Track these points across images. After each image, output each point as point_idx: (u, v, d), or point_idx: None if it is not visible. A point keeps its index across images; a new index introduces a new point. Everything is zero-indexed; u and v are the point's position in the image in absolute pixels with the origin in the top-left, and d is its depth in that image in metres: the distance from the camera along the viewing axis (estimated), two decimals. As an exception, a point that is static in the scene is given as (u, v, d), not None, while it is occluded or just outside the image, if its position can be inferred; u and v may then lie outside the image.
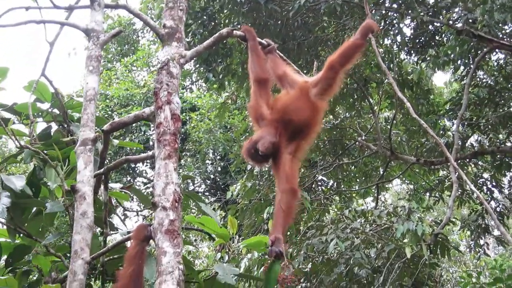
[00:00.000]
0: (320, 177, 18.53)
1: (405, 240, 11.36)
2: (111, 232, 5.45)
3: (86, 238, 4.21)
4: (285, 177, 4.89)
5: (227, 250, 5.49)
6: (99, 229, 5.56)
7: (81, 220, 4.26)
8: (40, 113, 6.27)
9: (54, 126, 6.26)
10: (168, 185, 4.04)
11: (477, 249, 16.47)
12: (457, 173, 11.87)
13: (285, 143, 5.01)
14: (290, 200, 4.79)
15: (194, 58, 4.93)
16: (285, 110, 5.12)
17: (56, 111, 6.17)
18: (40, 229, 5.81)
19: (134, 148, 17.37)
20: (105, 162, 5.16)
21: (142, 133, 23.84)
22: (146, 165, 25.06)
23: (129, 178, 24.67)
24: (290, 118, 5.07)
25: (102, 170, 4.94)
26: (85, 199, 4.36)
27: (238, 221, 13.25)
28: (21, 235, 5.70)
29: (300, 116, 5.10)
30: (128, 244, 4.47)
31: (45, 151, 5.52)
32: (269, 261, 4.72)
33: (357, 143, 17.20)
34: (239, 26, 13.62)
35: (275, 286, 4.74)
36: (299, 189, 4.96)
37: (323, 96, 5.25)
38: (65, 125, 6.07)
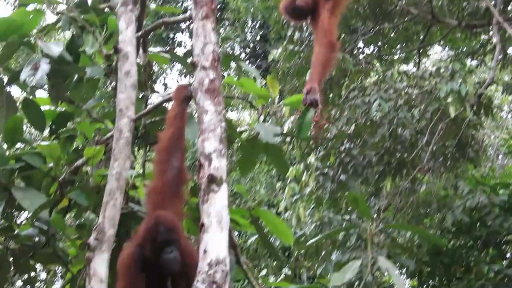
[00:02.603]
0: (360, 45, 18.25)
1: (449, 100, 11.24)
2: (152, 94, 5.46)
3: (130, 96, 4.21)
4: (323, 32, 4.83)
5: (269, 112, 5.46)
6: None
7: (125, 80, 4.25)
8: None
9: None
10: (207, 45, 3.98)
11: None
12: (500, 33, 11.60)
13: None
14: (328, 52, 4.75)
15: None
16: None
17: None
18: (84, 96, 5.85)
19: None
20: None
21: (181, 3, 23.55)
22: (185, 35, 24.92)
23: (167, 48, 24.56)
24: None
25: (139, 33, 4.88)
26: (128, 58, 4.34)
27: (280, 86, 13.18)
28: (63, 102, 5.76)
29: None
30: (169, 105, 4.48)
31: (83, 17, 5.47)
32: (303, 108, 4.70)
33: (397, 7, 16.73)
34: None
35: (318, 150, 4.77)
36: (337, 43, 4.88)
37: None
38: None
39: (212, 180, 3.45)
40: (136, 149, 5.79)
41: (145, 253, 3.49)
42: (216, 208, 3.39)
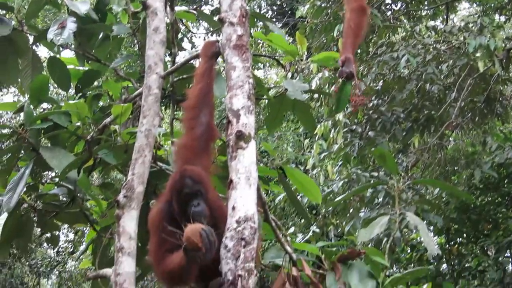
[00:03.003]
0: (388, 1, 18.03)
1: (477, 55, 11.09)
2: (179, 52, 5.43)
3: (159, 53, 4.17)
4: None
5: (296, 69, 5.42)
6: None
7: (153, 36, 4.21)
8: None
9: None
10: (235, 1, 3.96)
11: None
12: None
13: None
14: (359, 18, 4.69)
15: None
16: None
17: None
18: (108, 56, 5.84)
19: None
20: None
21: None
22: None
23: (195, 7, 24.41)
24: None
25: (166, -12, 4.84)
26: (156, 14, 4.30)
27: (307, 43, 13.04)
28: (90, 61, 5.75)
29: None
30: (197, 63, 4.46)
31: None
32: (339, 82, 4.69)
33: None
34: None
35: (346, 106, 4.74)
36: (368, 7, 4.82)
37: None
38: None
39: (241, 136, 3.44)
40: (163, 108, 5.79)
41: (173, 208, 3.49)
42: (245, 165, 3.39)
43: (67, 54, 5.93)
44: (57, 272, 26.74)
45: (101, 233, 5.26)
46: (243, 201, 3.26)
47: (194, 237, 3.06)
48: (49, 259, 25.95)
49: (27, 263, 24.53)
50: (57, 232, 5.95)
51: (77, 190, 5.11)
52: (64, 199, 5.39)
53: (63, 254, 25.58)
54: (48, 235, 5.84)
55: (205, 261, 3.10)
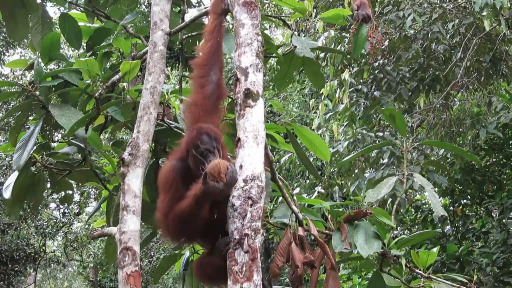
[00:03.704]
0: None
1: (484, 14, 11.00)
2: (188, 9, 5.36)
3: (165, 9, 4.16)
4: None
5: (302, 29, 5.35)
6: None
7: (159, -9, 4.19)
8: None
9: None
10: (244, -43, 3.89)
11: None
12: None
13: None
14: None
15: None
16: None
17: None
18: (124, 13, 5.79)
19: None
20: None
21: None
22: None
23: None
24: None
25: None
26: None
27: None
28: (100, 19, 5.72)
29: None
30: (206, 21, 4.43)
31: None
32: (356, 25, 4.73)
33: None
34: None
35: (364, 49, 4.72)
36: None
37: None
38: None
39: (249, 94, 3.42)
40: (169, 69, 5.75)
41: (187, 165, 3.49)
42: (252, 123, 3.38)
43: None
44: (62, 233, 26.89)
45: (112, 192, 5.26)
46: (250, 159, 3.25)
47: (221, 167, 3.10)
48: (55, 220, 26.07)
49: (33, 224, 24.63)
50: (71, 191, 5.95)
51: (88, 148, 5.11)
52: (78, 158, 5.39)
53: (69, 215, 25.68)
54: (62, 194, 5.85)
55: (220, 195, 3.13)
